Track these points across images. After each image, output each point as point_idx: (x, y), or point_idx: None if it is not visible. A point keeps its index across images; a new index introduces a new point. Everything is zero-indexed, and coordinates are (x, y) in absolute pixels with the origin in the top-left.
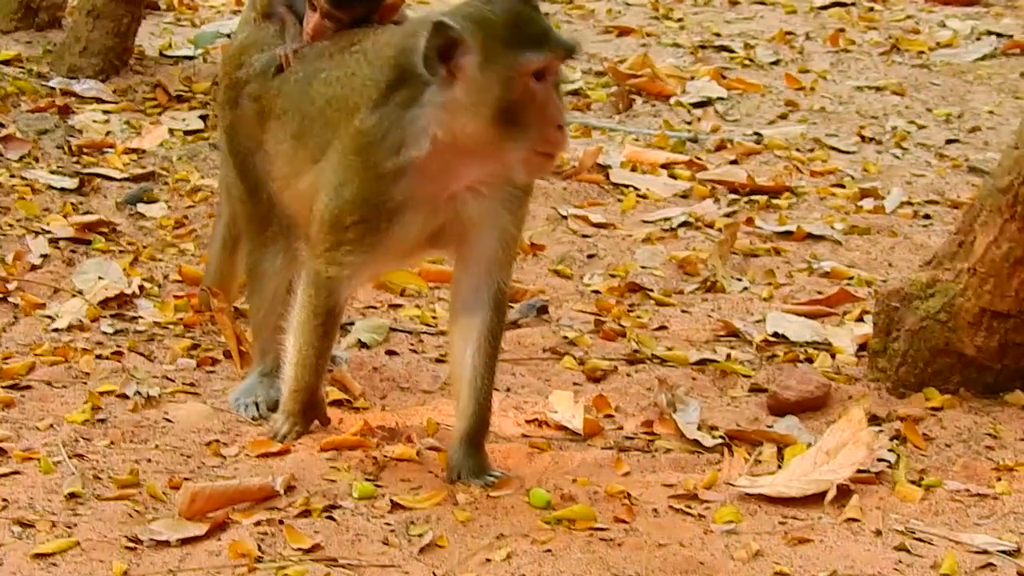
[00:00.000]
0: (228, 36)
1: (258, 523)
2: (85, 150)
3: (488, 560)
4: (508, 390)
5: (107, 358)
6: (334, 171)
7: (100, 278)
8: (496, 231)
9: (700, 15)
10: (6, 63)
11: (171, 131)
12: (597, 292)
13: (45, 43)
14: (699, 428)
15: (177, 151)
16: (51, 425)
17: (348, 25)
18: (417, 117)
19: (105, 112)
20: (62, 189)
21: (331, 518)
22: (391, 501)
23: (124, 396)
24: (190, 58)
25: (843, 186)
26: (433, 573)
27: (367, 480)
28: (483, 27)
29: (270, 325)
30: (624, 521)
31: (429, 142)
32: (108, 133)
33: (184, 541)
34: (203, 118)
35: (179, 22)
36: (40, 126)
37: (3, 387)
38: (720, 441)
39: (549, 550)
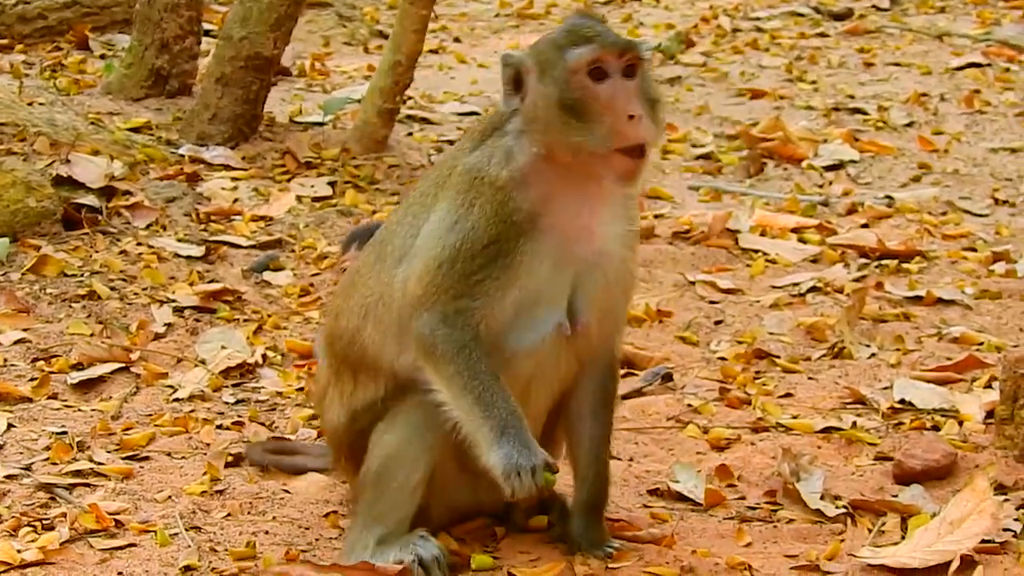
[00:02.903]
0: (358, 102)
1: None
2: (212, 218)
3: None
4: (631, 459)
5: (228, 428)
6: (445, 216)
7: (223, 347)
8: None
9: (834, 77)
10: (136, 130)
11: (299, 198)
12: (723, 359)
13: (175, 110)
14: (822, 498)
15: (304, 218)
16: (169, 497)
17: None
18: (510, 144)
19: (233, 179)
20: (188, 257)
21: None
22: (509, 573)
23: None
24: (320, 124)
25: (975, 250)
26: None
27: (485, 552)
28: (539, 45)
29: None
30: None
31: (527, 157)
32: (236, 200)
33: None
34: (331, 184)
35: (310, 88)
36: (168, 194)
37: (123, 458)
38: (843, 511)
39: None
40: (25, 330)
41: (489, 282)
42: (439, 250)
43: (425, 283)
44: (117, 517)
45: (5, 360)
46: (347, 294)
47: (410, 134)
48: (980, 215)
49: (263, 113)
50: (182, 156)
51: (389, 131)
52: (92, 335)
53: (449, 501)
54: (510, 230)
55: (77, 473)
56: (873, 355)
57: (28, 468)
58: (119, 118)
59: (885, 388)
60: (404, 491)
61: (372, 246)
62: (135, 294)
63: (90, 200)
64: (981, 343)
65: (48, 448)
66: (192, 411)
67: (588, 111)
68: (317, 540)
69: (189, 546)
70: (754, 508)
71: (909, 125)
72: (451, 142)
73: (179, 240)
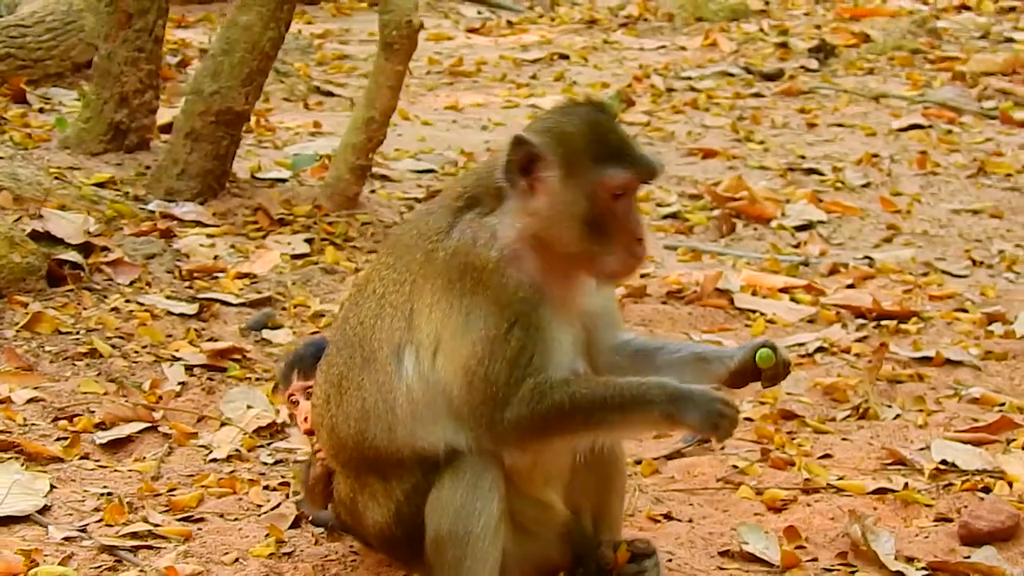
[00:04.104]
0: (321, 157)
1: None
2: (196, 275)
3: None
4: (690, 520)
5: (274, 489)
6: (452, 312)
7: (249, 407)
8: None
9: (780, 137)
10: (101, 186)
11: (280, 255)
12: (750, 419)
13: (136, 165)
14: (895, 559)
15: (289, 276)
16: (237, 560)
17: None
18: (497, 222)
19: (209, 236)
20: (182, 315)
21: None
22: None
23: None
24: (283, 180)
25: (966, 310)
26: None
27: None
28: (563, 141)
29: None
30: None
31: (517, 236)
32: (216, 257)
33: None
34: (308, 241)
35: (261, 144)
36: (147, 250)
37: (178, 519)
38: (924, 573)
39: None
40: (35, 388)
41: (538, 357)
42: (470, 348)
43: (480, 389)
44: None
45: (24, 420)
46: (336, 403)
47: (373, 191)
48: (960, 276)
49: (231, 169)
50: (152, 212)
51: (361, 188)
52: (106, 393)
53: (522, 562)
54: (522, 306)
55: (135, 535)
56: (898, 416)
57: (84, 530)
58: (80, 173)
59: (921, 449)
60: (486, 536)
61: (346, 351)
62: (136, 352)
63: (71, 256)
64: (1003, 404)
65: (97, 510)
66: (233, 471)
67: (603, 228)
68: None
69: None
70: (830, 570)
71: (866, 186)
72: (418, 200)
73: (168, 297)
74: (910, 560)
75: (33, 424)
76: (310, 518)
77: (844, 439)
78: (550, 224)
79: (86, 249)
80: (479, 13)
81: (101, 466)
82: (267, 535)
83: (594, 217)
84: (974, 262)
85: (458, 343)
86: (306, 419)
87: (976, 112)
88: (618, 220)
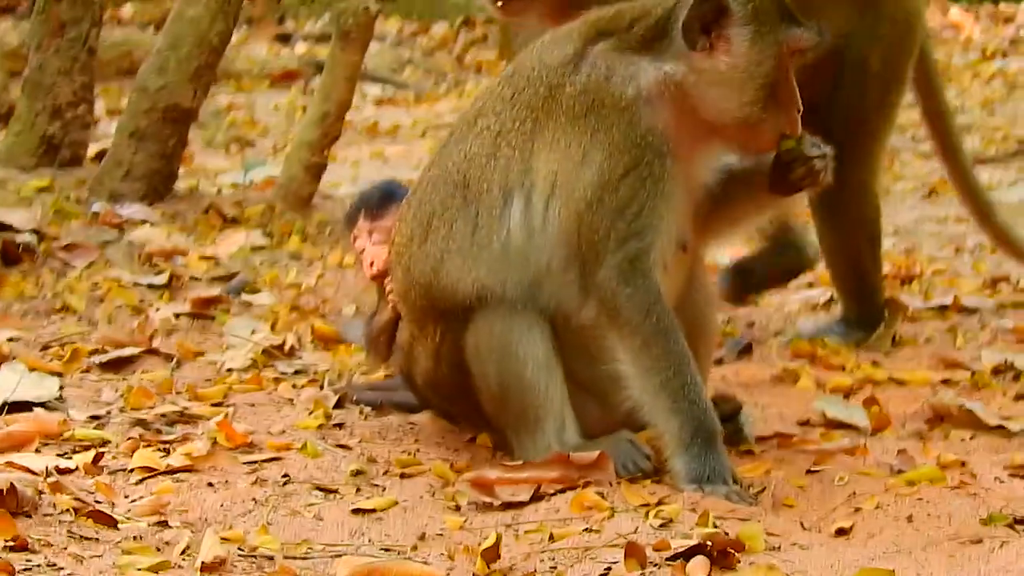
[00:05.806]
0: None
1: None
2: (155, 257)
3: (858, 509)
4: (757, 404)
5: (303, 387)
6: (569, 150)
7: (253, 332)
8: None
9: None
10: (40, 191)
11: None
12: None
13: (72, 179)
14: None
15: (256, 258)
16: (284, 431)
17: None
18: (646, 68)
19: (163, 229)
20: (151, 285)
21: (662, 482)
22: None
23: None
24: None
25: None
26: (801, 524)
27: None
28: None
29: None
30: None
31: (661, 83)
32: (175, 246)
33: (508, 505)
34: (269, 235)
35: (191, 174)
36: (101, 238)
37: (209, 405)
38: None
39: (921, 498)
40: (15, 330)
41: (646, 213)
42: (581, 191)
43: (581, 232)
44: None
45: (11, 352)
46: (420, 242)
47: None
48: None
49: (178, 170)
50: (96, 213)
51: (315, 188)
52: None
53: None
54: (645, 152)
55: (164, 416)
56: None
57: (109, 413)
58: (13, 184)
59: (972, 359)
60: (539, 371)
61: (444, 188)
62: (113, 311)
63: (26, 238)
64: None
65: (120, 398)
66: (255, 375)
67: (775, 93)
68: (473, 458)
69: (345, 456)
70: (924, 432)
71: None
72: None
73: (133, 274)
74: (1006, 418)
75: (22, 352)
76: (355, 398)
77: (884, 353)
78: (723, 85)
79: (38, 236)
80: (383, 90)
81: (107, 378)
82: (311, 411)
83: (774, 80)
84: None
85: (572, 188)
86: (372, 263)
87: None
88: (787, 86)
